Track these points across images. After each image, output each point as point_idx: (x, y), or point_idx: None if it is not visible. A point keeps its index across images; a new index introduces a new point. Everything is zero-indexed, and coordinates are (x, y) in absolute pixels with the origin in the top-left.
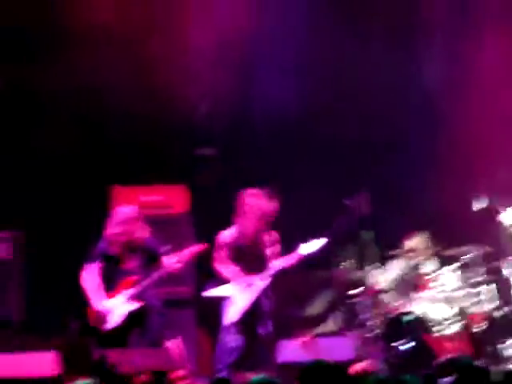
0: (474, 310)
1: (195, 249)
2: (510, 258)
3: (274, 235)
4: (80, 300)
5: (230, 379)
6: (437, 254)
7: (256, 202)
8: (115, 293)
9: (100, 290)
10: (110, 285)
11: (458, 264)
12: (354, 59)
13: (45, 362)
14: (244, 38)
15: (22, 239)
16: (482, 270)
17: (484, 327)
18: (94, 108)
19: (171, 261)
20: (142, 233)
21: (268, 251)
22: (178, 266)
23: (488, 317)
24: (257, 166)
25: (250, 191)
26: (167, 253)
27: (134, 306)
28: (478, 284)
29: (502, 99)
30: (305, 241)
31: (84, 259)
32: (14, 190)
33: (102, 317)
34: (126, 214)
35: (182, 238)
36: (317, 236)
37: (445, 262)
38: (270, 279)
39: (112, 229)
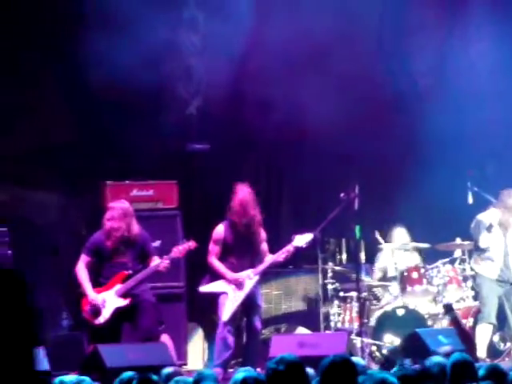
0: (460, 305)
1: (184, 247)
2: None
3: (262, 232)
4: (71, 295)
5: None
6: (425, 248)
7: (243, 195)
8: (108, 287)
9: (88, 281)
10: (103, 279)
11: (449, 258)
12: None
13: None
14: (237, 33)
15: (7, 235)
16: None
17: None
18: (87, 101)
19: (160, 260)
20: (136, 228)
21: (260, 246)
22: (166, 264)
23: (474, 311)
24: (248, 162)
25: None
26: (157, 249)
27: (123, 302)
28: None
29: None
30: (299, 233)
31: (78, 251)
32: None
33: (95, 309)
34: (124, 209)
35: (172, 233)
36: (311, 228)
37: (435, 255)
38: (261, 274)
39: (109, 223)
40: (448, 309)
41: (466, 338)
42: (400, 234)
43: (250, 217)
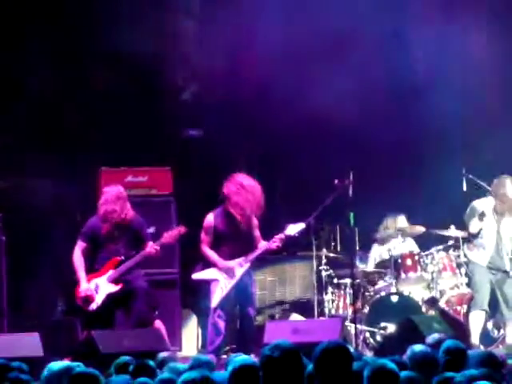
0: (454, 292)
1: (174, 232)
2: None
3: (254, 219)
4: (66, 281)
5: (212, 360)
6: (421, 235)
7: (251, 185)
8: (101, 273)
9: (83, 269)
10: (97, 265)
11: (443, 245)
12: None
13: (29, 342)
14: (234, 19)
15: (1, 221)
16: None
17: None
18: (83, 88)
19: (151, 244)
20: (129, 213)
21: (252, 234)
22: (157, 249)
23: (468, 298)
24: (243, 149)
25: (242, 175)
26: (151, 235)
27: (114, 288)
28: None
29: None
30: (291, 222)
31: (73, 237)
32: None
33: (88, 295)
34: (118, 192)
35: (166, 219)
36: (305, 215)
37: (431, 242)
38: (253, 261)
39: (103, 207)
40: (432, 303)
41: (458, 326)
42: (400, 221)
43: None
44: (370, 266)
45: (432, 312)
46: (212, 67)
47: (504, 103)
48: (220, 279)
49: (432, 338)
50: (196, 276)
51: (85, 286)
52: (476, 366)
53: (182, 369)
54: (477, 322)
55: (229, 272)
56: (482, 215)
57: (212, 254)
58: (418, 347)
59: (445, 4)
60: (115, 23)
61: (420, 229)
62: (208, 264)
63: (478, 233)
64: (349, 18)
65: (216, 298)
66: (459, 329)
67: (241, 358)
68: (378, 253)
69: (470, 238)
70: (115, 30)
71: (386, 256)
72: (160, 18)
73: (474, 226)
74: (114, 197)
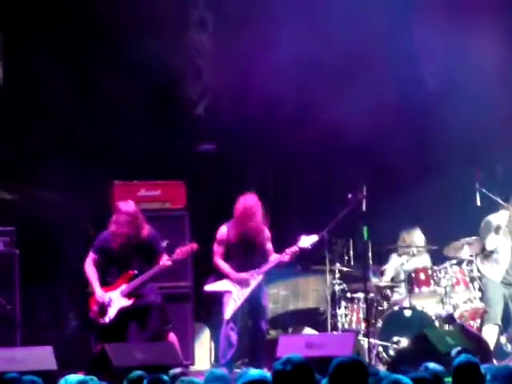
0: (467, 306)
1: (187, 248)
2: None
3: (266, 232)
4: (79, 294)
5: (227, 375)
6: (434, 250)
7: (249, 206)
8: (114, 286)
9: (96, 278)
10: (110, 278)
11: (456, 259)
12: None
13: (43, 356)
14: (246, 34)
15: (15, 235)
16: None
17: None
18: (97, 102)
19: (164, 259)
20: (144, 231)
21: (265, 246)
22: (169, 264)
23: (482, 312)
24: (256, 162)
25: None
26: (165, 249)
27: (127, 302)
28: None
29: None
30: (305, 234)
31: (86, 251)
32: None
33: (102, 308)
34: (129, 215)
35: (179, 233)
36: (318, 229)
37: (443, 256)
38: (266, 273)
39: (114, 226)
40: (450, 320)
41: (479, 342)
42: (416, 235)
43: (253, 225)
44: (388, 277)
45: (447, 327)
46: (225, 82)
47: None
48: (233, 291)
49: (454, 352)
50: (208, 288)
51: (100, 292)
52: (498, 380)
53: (196, 383)
54: (490, 337)
55: (242, 283)
56: (497, 229)
57: (225, 266)
58: (431, 365)
59: (457, 17)
60: (129, 38)
61: (429, 246)
62: (220, 276)
63: (493, 248)
64: (360, 33)
65: (229, 310)
66: (479, 344)
67: (252, 372)
68: (395, 264)
69: (484, 253)
70: (129, 45)
71: (401, 270)
72: (174, 33)
73: (490, 241)
74: (126, 220)
